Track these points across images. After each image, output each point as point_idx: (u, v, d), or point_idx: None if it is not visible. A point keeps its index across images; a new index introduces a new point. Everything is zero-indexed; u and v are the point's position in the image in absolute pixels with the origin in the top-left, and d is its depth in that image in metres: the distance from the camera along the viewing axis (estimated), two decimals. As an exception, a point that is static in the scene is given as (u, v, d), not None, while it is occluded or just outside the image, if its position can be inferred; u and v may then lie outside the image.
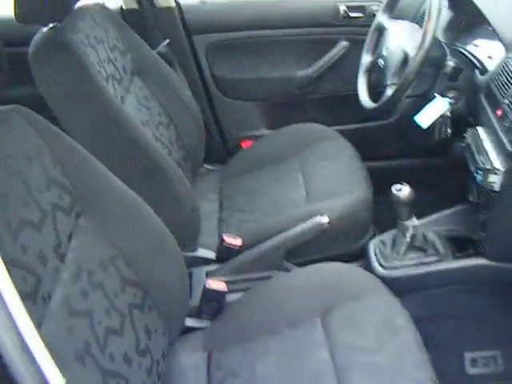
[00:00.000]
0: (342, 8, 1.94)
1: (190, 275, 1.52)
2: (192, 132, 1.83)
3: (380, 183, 1.58)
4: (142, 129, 1.46)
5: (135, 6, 1.88)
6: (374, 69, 1.69)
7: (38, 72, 1.31)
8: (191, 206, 1.51)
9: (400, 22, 1.64)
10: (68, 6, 1.38)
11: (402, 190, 1.34)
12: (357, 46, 1.85)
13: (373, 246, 1.47)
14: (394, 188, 1.35)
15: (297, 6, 1.97)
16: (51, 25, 1.36)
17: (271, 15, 1.98)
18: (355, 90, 1.96)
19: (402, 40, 1.55)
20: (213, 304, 1.36)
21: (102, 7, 1.60)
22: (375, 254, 1.45)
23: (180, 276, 1.23)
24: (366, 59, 1.73)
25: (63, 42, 1.32)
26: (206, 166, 2.04)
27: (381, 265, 1.42)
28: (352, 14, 1.95)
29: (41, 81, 1.32)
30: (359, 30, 1.92)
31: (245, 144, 2.14)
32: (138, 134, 1.40)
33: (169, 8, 1.91)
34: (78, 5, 1.50)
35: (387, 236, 1.48)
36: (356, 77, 1.76)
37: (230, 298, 1.38)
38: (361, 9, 1.95)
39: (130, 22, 1.75)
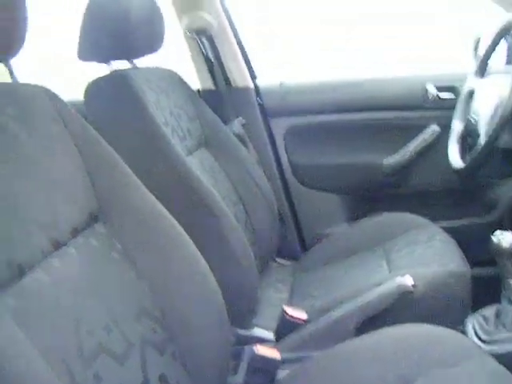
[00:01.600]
0: (432, 89, 1.79)
1: (240, 353, 1.25)
2: (264, 217, 1.66)
3: (486, 294, 1.26)
4: (195, 172, 1.32)
5: (211, 86, 1.84)
6: (467, 133, 1.48)
7: (89, 102, 1.29)
8: (248, 268, 1.30)
9: (493, 75, 1.45)
10: (131, 47, 1.35)
11: (505, 237, 1.04)
12: (449, 132, 1.65)
13: (471, 322, 1.13)
14: (495, 236, 1.06)
15: (381, 87, 1.85)
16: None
17: (354, 97, 1.86)
18: (449, 183, 1.72)
19: (496, 87, 1.35)
20: (260, 377, 1.08)
21: (173, 72, 1.57)
22: (474, 330, 1.10)
23: (219, 332, 0.99)
24: (457, 126, 1.53)
25: (118, 73, 1.31)
26: (278, 260, 1.83)
27: (481, 340, 1.06)
28: (442, 96, 1.79)
29: (91, 110, 1.28)
30: (451, 113, 1.73)
31: (323, 242, 1.91)
32: (187, 171, 1.28)
33: (245, 88, 1.86)
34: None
35: (489, 310, 1.14)
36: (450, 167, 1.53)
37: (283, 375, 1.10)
38: (451, 89, 1.78)
39: (205, 102, 1.71)
